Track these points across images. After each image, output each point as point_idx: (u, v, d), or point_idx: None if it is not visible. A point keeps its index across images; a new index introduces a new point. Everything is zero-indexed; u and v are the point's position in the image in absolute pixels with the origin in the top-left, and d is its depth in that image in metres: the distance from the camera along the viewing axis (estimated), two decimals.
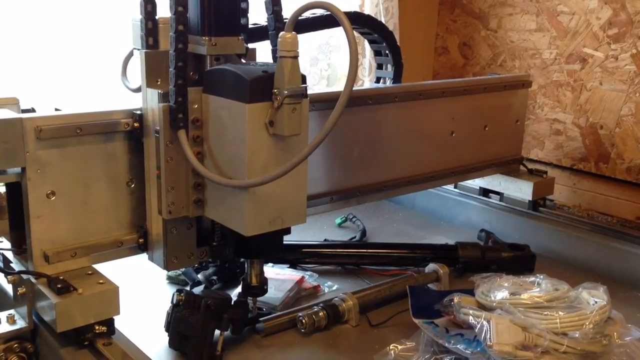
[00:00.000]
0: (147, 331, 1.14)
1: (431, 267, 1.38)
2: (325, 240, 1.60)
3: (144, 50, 1.05)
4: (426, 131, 1.53)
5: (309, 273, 1.41)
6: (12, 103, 1.09)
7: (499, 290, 1.12)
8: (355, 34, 1.93)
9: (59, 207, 1.05)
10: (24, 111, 1.09)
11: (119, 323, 1.04)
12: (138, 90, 1.10)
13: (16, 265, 1.09)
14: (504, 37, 2.05)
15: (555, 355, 1.00)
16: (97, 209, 1.10)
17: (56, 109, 1.09)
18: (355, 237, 1.66)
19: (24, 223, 1.05)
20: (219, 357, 1.07)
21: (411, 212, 1.87)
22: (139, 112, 1.08)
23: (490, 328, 1.01)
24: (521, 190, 1.69)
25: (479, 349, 1.01)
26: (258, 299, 1.25)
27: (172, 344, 1.10)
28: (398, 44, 1.52)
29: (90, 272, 1.07)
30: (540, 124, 1.97)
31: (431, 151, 1.55)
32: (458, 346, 1.04)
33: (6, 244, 1.14)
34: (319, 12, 1.32)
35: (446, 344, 1.05)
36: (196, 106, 1.02)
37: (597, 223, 1.64)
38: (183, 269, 1.37)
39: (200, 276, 1.34)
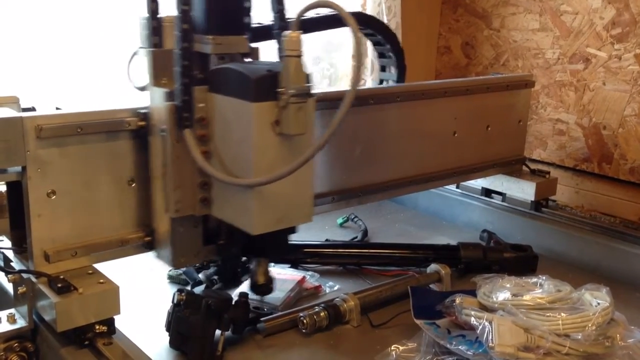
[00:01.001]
0: (148, 331, 1.14)
1: (433, 267, 1.37)
2: (326, 240, 1.60)
3: (150, 49, 1.05)
4: (428, 131, 1.52)
5: (310, 273, 1.41)
6: (13, 102, 1.09)
7: (501, 291, 1.11)
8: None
9: (60, 206, 1.05)
10: (24, 110, 1.08)
11: (120, 323, 1.04)
12: (144, 89, 1.10)
13: (17, 265, 1.09)
14: (506, 36, 2.04)
15: (558, 357, 0.99)
16: (98, 208, 1.09)
17: (57, 108, 1.09)
18: (356, 237, 1.66)
19: (25, 222, 1.05)
20: (220, 357, 1.07)
21: (413, 212, 1.87)
22: (144, 110, 1.08)
23: (492, 329, 1.00)
24: (523, 190, 1.68)
25: (480, 350, 1.01)
26: (259, 299, 1.25)
27: (172, 343, 1.09)
28: (401, 46, 1.52)
29: (90, 271, 1.06)
30: (543, 124, 1.97)
31: (433, 151, 1.55)
32: (460, 347, 1.03)
33: (6, 242, 1.14)
34: (322, 11, 1.31)
35: (448, 345, 1.05)
36: (202, 105, 1.02)
37: (599, 224, 1.64)
38: (184, 269, 1.37)
39: (201, 276, 1.33)
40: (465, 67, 2.19)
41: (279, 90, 0.93)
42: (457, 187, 1.80)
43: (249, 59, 1.07)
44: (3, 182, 1.08)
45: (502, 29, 2.06)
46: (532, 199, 1.66)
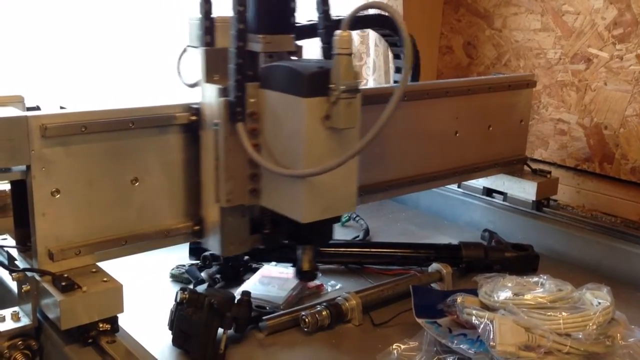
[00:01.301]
0: (151, 329, 1.14)
1: (434, 266, 1.38)
2: None
3: (203, 48, 1.09)
4: (430, 131, 1.52)
5: None
6: (17, 101, 1.09)
7: (502, 290, 1.11)
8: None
9: (64, 204, 1.05)
10: (29, 109, 1.09)
11: (123, 321, 1.05)
12: (194, 85, 1.15)
13: (21, 263, 1.10)
14: (508, 36, 2.05)
15: (559, 356, 1.00)
16: (102, 207, 1.10)
17: (61, 107, 1.10)
18: (358, 236, 1.66)
19: (29, 221, 1.05)
20: (222, 355, 1.08)
21: (414, 211, 1.87)
22: (196, 106, 1.13)
23: (493, 328, 1.01)
24: (525, 190, 1.68)
25: (482, 349, 1.01)
26: (261, 297, 1.26)
27: (175, 342, 1.10)
28: (417, 47, 1.53)
29: (94, 270, 1.07)
30: (545, 124, 1.97)
31: (435, 151, 1.55)
32: (461, 346, 1.04)
33: (10, 241, 1.15)
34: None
35: (449, 344, 1.05)
36: (253, 100, 1.07)
37: (601, 223, 1.64)
38: (186, 268, 1.38)
39: (203, 274, 1.34)
40: (467, 67, 2.19)
41: (330, 86, 0.98)
42: (459, 186, 1.80)
43: (294, 57, 1.12)
44: (7, 181, 1.08)
45: (503, 29, 2.06)
46: (534, 198, 1.67)
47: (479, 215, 1.73)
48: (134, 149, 1.11)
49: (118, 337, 1.01)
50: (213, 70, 1.10)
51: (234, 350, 1.12)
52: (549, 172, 1.73)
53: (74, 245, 1.07)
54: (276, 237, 1.18)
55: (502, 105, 1.67)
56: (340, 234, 1.68)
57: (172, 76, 1.20)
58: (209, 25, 1.09)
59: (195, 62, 1.12)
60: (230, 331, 1.11)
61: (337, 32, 0.96)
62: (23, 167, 1.02)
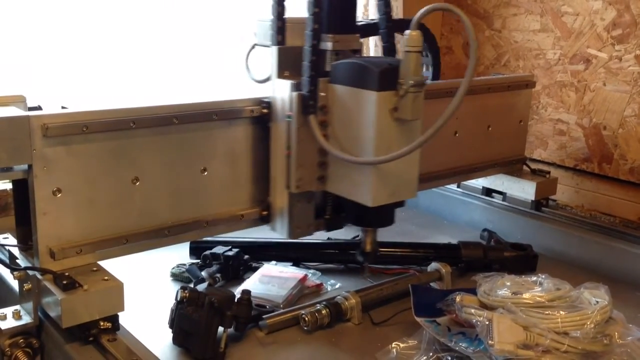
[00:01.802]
0: (151, 327, 1.15)
1: (434, 266, 1.38)
2: (328, 238, 1.61)
3: (275, 47, 1.19)
4: None
5: (312, 271, 1.42)
6: (19, 101, 1.09)
7: (501, 289, 1.12)
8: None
9: (65, 204, 1.06)
10: (30, 109, 1.09)
11: (124, 319, 1.05)
12: (264, 81, 1.25)
13: (22, 262, 1.10)
14: (508, 37, 2.05)
15: (557, 354, 1.00)
16: (103, 206, 1.11)
17: (63, 107, 1.10)
18: (358, 235, 1.66)
19: (30, 219, 1.05)
20: (222, 353, 1.08)
21: (414, 211, 1.88)
22: (267, 99, 1.22)
23: (491, 327, 1.01)
24: (524, 190, 1.69)
25: (480, 348, 1.02)
26: (261, 296, 1.26)
27: (175, 340, 1.11)
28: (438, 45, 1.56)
29: (95, 268, 1.08)
30: (544, 124, 1.97)
31: (434, 151, 1.54)
32: (460, 345, 1.04)
33: (12, 240, 1.15)
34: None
35: (448, 343, 1.06)
36: (323, 94, 1.17)
37: (599, 223, 1.65)
38: (187, 267, 1.38)
39: (204, 273, 1.35)
40: (466, 68, 2.19)
41: (400, 81, 1.08)
42: (458, 186, 1.80)
43: (358, 55, 1.21)
44: (9, 180, 1.09)
45: (503, 29, 2.06)
46: (533, 198, 1.67)
47: (478, 215, 1.73)
48: (140, 147, 1.12)
49: (119, 336, 1.02)
50: (284, 66, 1.20)
51: (234, 348, 1.12)
52: (548, 172, 1.74)
53: (75, 244, 1.07)
54: (337, 222, 1.30)
55: (502, 105, 1.67)
56: (340, 233, 1.68)
57: (170, 75, 1.22)
58: (280, 25, 1.18)
59: (263, 59, 1.24)
60: (231, 330, 1.12)
61: (407, 31, 1.07)
62: (25, 167, 1.03)
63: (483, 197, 1.76)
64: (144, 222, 1.15)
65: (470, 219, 1.75)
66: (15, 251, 1.12)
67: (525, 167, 1.77)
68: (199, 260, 1.41)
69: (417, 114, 1.10)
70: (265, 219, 1.28)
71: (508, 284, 1.14)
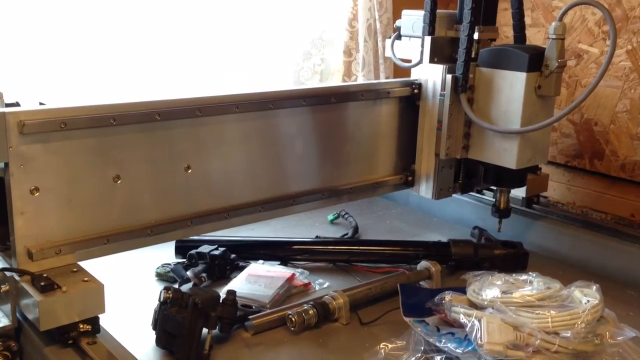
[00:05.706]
0: (134, 329, 1.12)
1: (423, 264, 1.36)
2: (316, 237, 1.59)
3: (428, 37, 1.41)
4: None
5: (300, 270, 1.40)
6: None
7: (491, 288, 1.10)
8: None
9: (43, 203, 1.03)
10: (7, 105, 1.06)
11: (106, 321, 1.03)
12: (415, 65, 1.45)
13: (0, 263, 1.08)
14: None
15: (547, 354, 0.99)
16: (84, 205, 1.08)
17: (40, 103, 1.07)
18: (347, 233, 1.65)
19: (7, 219, 1.03)
20: (207, 355, 1.06)
21: (404, 208, 1.86)
22: (417, 81, 1.45)
23: (481, 327, 1.00)
24: None
25: (469, 348, 1.00)
26: (247, 296, 1.24)
27: (159, 342, 1.08)
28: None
29: (75, 269, 1.05)
30: None
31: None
32: (449, 345, 1.03)
33: None
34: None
35: (437, 343, 1.04)
36: (471, 76, 1.39)
37: (591, 220, 1.64)
38: (172, 266, 1.36)
39: (189, 273, 1.32)
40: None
41: (546, 64, 1.32)
42: None
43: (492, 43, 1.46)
44: None
45: None
46: (524, 195, 1.66)
47: (469, 212, 1.72)
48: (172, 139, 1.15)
49: (99, 338, 1.00)
50: (434, 54, 1.42)
51: (219, 350, 1.10)
52: (539, 169, 1.72)
53: (54, 245, 1.05)
54: (468, 186, 1.53)
55: None
56: (329, 231, 1.67)
57: (169, 72, 1.19)
58: (432, 19, 1.40)
59: (409, 48, 1.47)
60: (216, 331, 1.09)
61: (554, 22, 1.30)
62: (1, 165, 1.00)
63: (474, 194, 1.74)
64: (125, 222, 1.13)
65: (461, 216, 1.73)
66: None
67: None
68: (184, 260, 1.39)
69: (558, 91, 1.35)
70: (409, 184, 1.50)
71: (498, 282, 1.12)
